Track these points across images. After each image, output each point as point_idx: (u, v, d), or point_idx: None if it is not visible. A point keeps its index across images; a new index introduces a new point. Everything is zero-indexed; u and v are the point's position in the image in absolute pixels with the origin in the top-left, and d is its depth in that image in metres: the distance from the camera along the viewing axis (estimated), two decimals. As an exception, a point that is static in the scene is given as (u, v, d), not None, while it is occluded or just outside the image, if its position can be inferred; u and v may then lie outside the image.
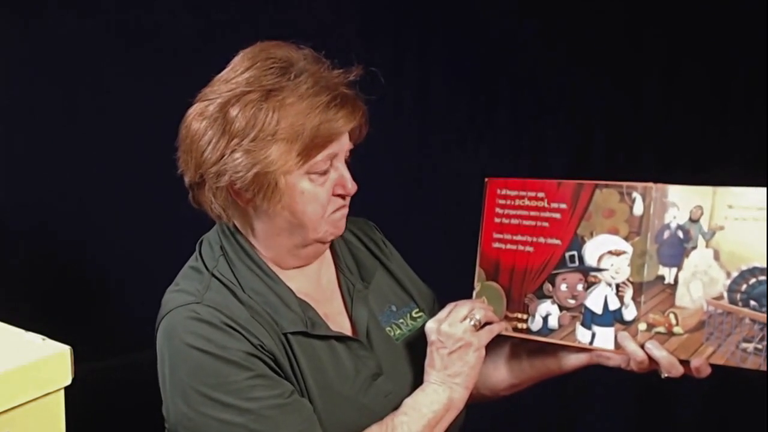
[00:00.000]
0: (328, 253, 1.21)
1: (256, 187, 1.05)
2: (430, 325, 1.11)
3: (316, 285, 1.17)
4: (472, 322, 1.10)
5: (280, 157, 1.03)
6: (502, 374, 1.22)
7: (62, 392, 0.80)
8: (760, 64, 1.84)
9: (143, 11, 1.74)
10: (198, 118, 1.07)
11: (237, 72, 1.07)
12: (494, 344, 1.14)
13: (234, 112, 1.04)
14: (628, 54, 1.99)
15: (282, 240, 1.11)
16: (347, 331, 1.15)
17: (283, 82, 1.04)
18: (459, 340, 1.09)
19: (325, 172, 1.07)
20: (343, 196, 1.11)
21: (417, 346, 1.15)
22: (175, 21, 1.77)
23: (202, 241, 1.17)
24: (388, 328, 1.19)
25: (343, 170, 1.10)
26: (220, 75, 1.09)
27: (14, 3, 1.64)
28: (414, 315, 1.23)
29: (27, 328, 0.83)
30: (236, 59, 1.09)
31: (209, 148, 1.05)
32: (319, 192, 1.07)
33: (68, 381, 0.80)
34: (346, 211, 1.13)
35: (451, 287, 1.20)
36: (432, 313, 1.16)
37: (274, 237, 1.11)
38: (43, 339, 0.81)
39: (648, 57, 1.98)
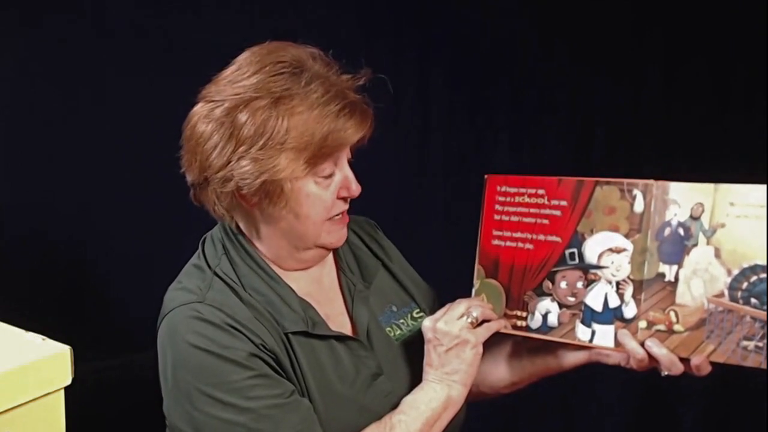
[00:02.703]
0: (329, 254, 1.20)
1: (263, 193, 1.05)
2: (427, 324, 1.11)
3: (318, 286, 1.17)
4: (469, 320, 1.10)
5: (287, 166, 1.03)
6: (501, 372, 1.22)
7: (62, 392, 0.80)
8: (760, 62, 1.84)
9: (143, 11, 1.74)
10: (204, 120, 1.05)
11: (244, 74, 1.05)
12: (494, 342, 1.13)
13: (243, 118, 1.02)
14: (629, 53, 1.99)
15: (284, 242, 1.11)
16: (348, 331, 1.15)
17: (293, 88, 1.03)
18: (455, 338, 1.09)
19: (329, 175, 1.07)
20: (345, 199, 1.10)
21: (417, 346, 1.14)
22: (175, 20, 1.77)
23: (205, 238, 1.16)
24: (389, 329, 1.18)
25: (347, 172, 1.10)
26: (224, 73, 1.07)
27: (14, 2, 1.64)
28: (415, 315, 1.23)
29: (27, 328, 0.83)
30: (243, 58, 1.07)
31: (215, 153, 1.04)
32: (324, 194, 1.08)
33: (68, 381, 0.80)
34: (346, 219, 1.13)
35: (452, 286, 1.20)
36: (433, 313, 1.15)
37: (277, 239, 1.11)
38: (43, 339, 0.81)
39: (648, 55, 1.98)
